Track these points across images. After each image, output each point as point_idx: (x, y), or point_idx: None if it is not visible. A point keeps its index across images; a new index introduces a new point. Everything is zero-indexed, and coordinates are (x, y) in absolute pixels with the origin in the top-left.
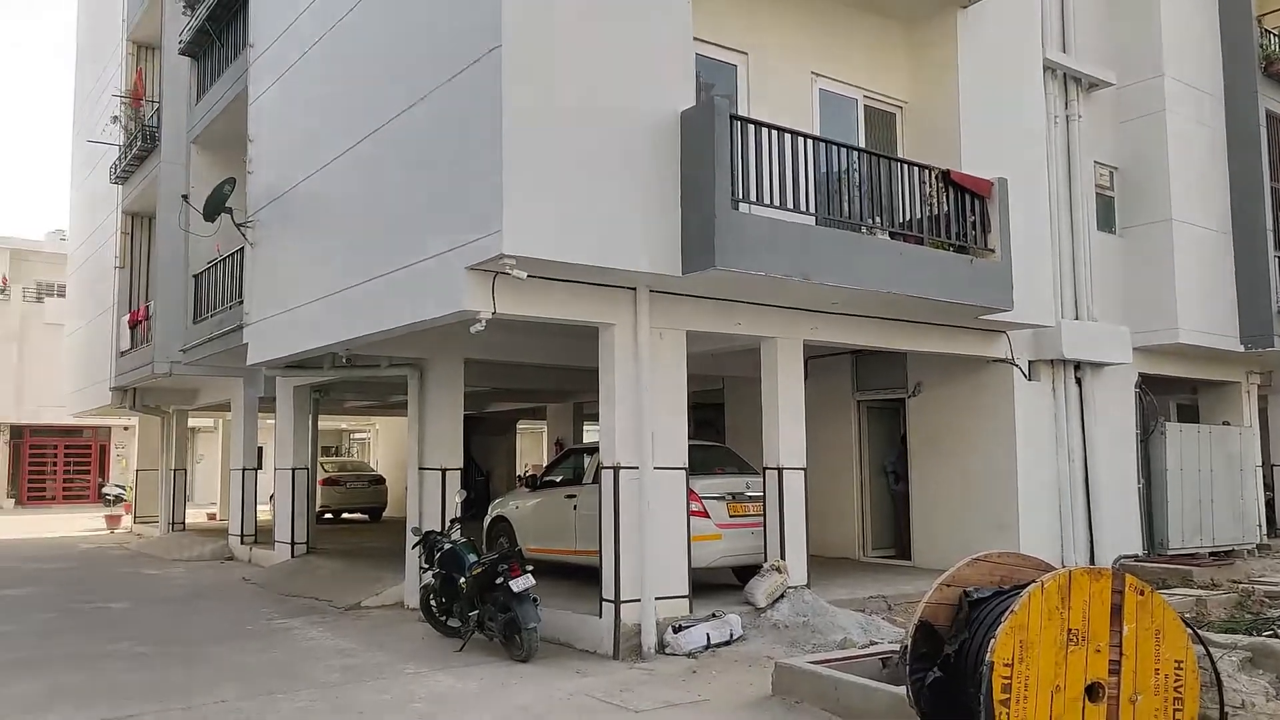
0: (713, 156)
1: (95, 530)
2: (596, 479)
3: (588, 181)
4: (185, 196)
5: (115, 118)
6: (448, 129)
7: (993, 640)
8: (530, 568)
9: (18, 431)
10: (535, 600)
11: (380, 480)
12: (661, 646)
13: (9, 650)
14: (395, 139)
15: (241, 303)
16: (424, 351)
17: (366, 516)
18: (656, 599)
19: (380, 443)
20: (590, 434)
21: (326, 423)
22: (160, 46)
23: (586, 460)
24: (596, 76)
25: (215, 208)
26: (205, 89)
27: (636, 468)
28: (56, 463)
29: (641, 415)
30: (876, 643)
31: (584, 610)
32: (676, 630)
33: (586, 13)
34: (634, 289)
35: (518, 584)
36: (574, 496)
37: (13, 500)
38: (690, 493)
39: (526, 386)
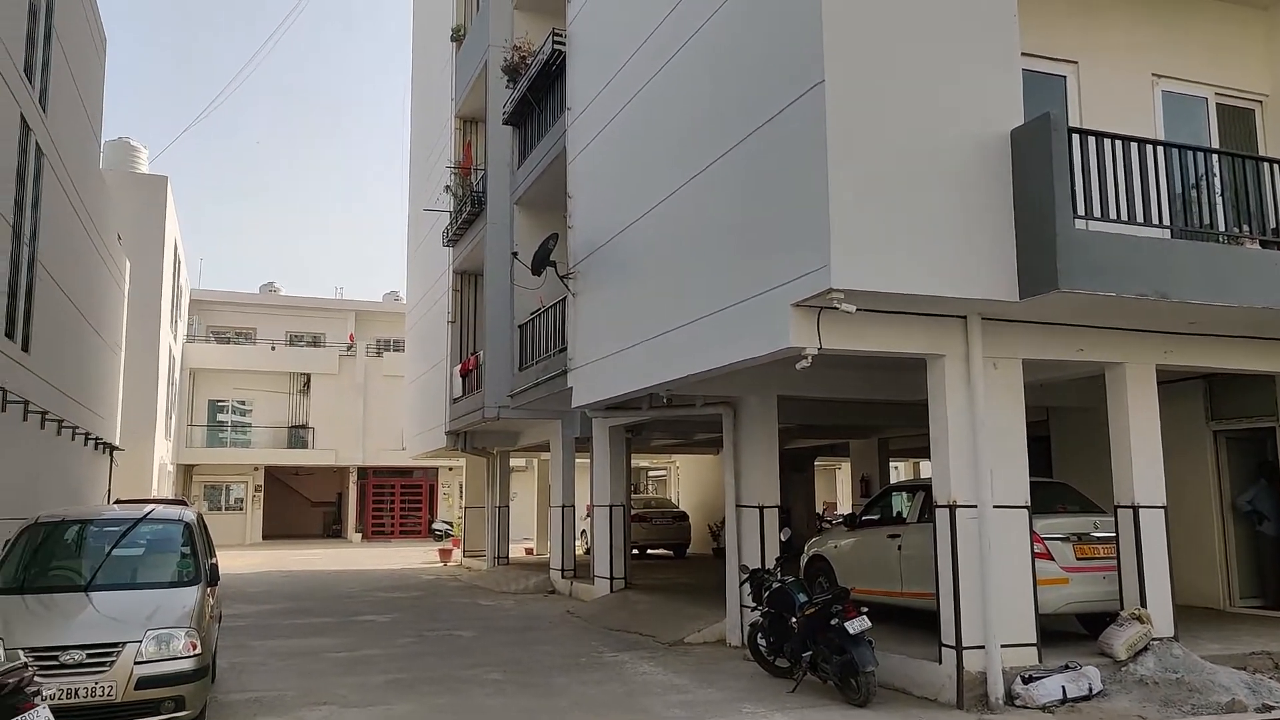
0: (1051, 173)
1: (430, 563)
2: (923, 517)
3: (914, 209)
4: (515, 254)
5: (447, 187)
6: (769, 168)
7: None
8: (865, 609)
9: (363, 473)
10: (871, 643)
11: (684, 517)
12: (1010, 697)
13: (380, 672)
14: (714, 182)
15: (564, 350)
16: (738, 389)
17: (671, 553)
18: (1001, 646)
19: (680, 479)
20: (897, 471)
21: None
22: (484, 119)
23: (908, 498)
24: (920, 102)
25: (541, 262)
26: (526, 154)
27: (974, 506)
28: (394, 500)
29: (977, 450)
30: (1273, 706)
31: (919, 655)
32: (1027, 680)
33: (909, 37)
34: (964, 317)
35: (853, 626)
36: (897, 536)
37: (360, 534)
38: (1031, 533)
39: (833, 422)
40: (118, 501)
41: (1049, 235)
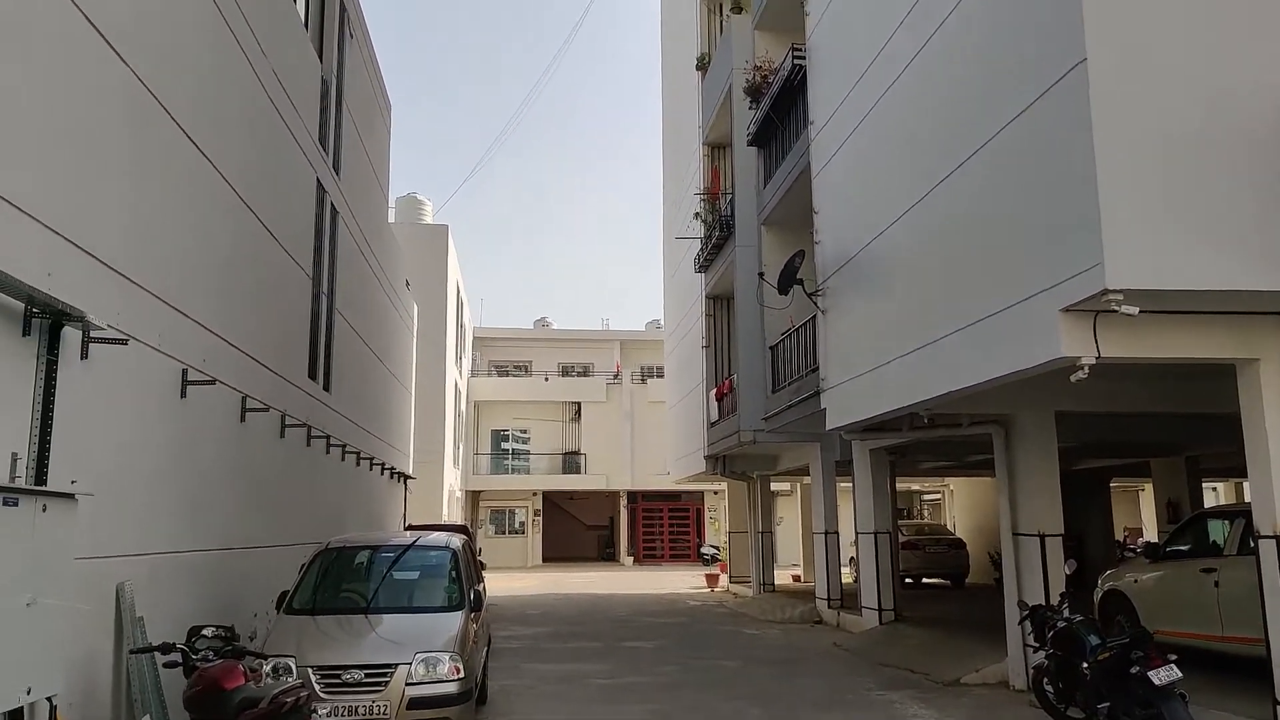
0: None
1: (697, 588)
2: (1244, 548)
3: (1204, 191)
4: (761, 274)
5: (696, 214)
6: (1025, 163)
7: None
8: (1174, 657)
9: (633, 497)
10: (1184, 697)
11: (961, 544)
12: None
13: (640, 701)
14: (965, 185)
15: (816, 370)
16: (1008, 406)
17: (948, 582)
18: None
19: (956, 504)
20: (1215, 493)
21: (897, 484)
22: (730, 143)
23: (1225, 526)
24: (1203, 68)
25: (788, 280)
26: (771, 174)
27: None
28: (663, 524)
29: None
30: None
31: (1245, 713)
32: None
33: None
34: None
35: (1159, 676)
36: (1213, 570)
37: (631, 558)
38: None
39: (1123, 439)
40: (409, 527)
41: None
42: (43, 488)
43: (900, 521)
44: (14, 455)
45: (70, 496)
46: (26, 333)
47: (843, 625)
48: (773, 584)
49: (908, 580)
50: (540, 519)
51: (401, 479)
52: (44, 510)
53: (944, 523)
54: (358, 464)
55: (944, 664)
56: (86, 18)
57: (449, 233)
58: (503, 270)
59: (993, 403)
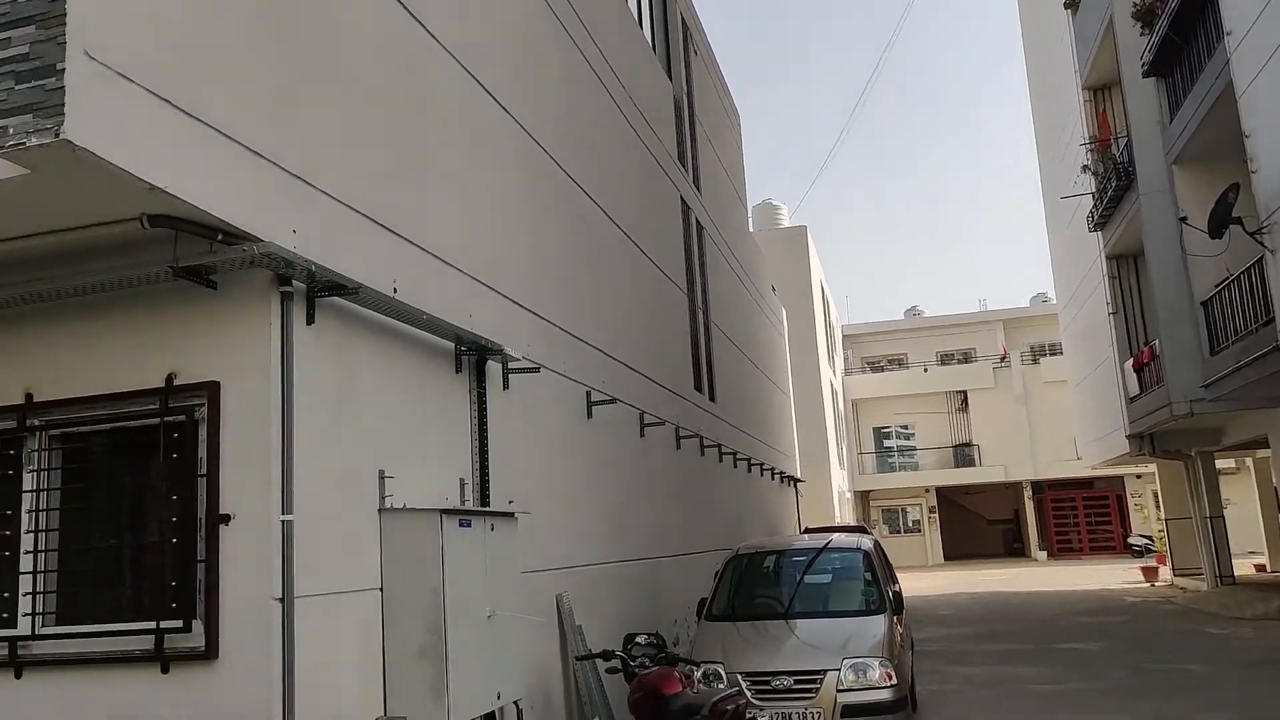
0: None
1: (1132, 582)
2: None
3: None
4: (1183, 218)
5: (1085, 167)
6: None
7: None
8: None
9: (1038, 487)
10: None
11: None
12: None
13: (1095, 711)
14: None
15: (1271, 321)
16: None
17: None
18: None
19: None
20: None
21: None
22: (1118, 82)
23: None
24: None
25: (1221, 221)
26: (1178, 104)
27: None
28: (1077, 515)
29: None
30: None
31: None
32: None
33: None
34: None
35: None
36: None
37: (1044, 553)
38: None
39: None
40: (806, 530)
41: None
42: (488, 509)
43: None
44: (461, 481)
45: (511, 515)
46: (459, 369)
47: None
48: (1231, 575)
49: None
50: (936, 516)
51: (791, 482)
52: (491, 529)
53: None
54: (749, 470)
55: None
56: (479, 82)
57: (807, 233)
58: (863, 262)
59: None
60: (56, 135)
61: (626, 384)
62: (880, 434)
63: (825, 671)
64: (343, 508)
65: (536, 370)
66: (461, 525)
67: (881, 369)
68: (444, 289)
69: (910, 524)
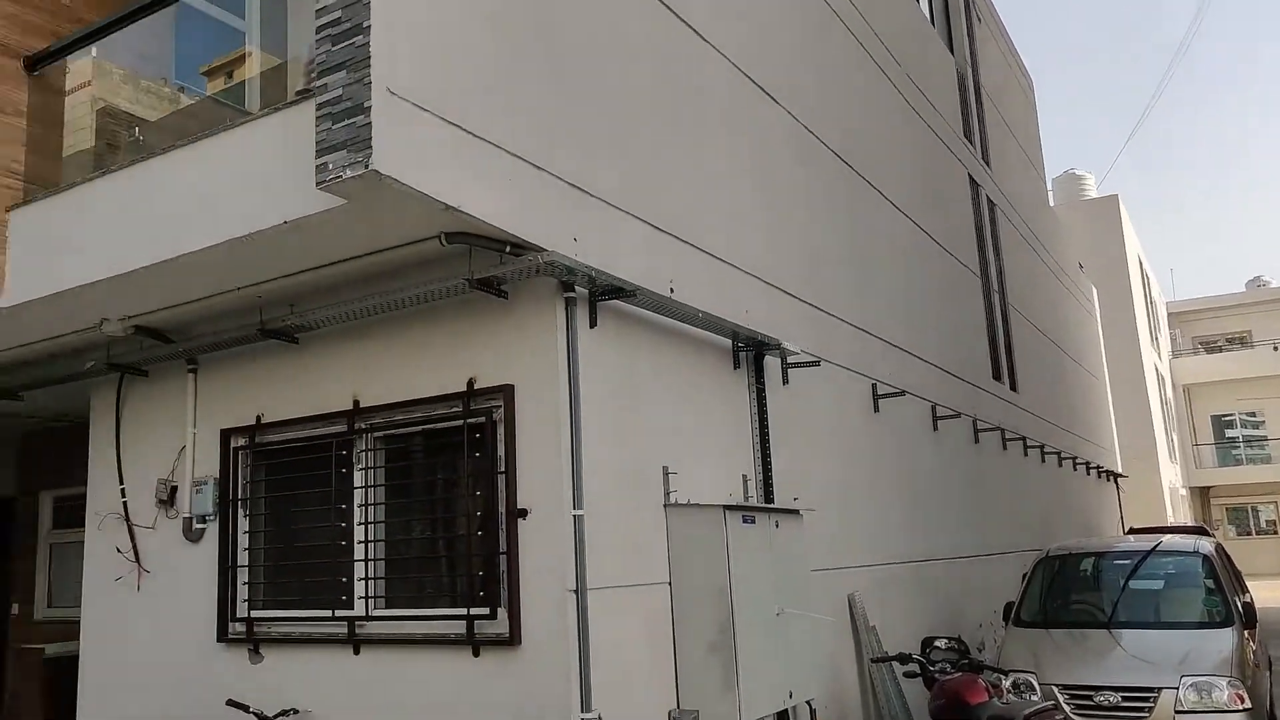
0: None
1: None
2: None
3: None
4: None
5: None
6: None
7: None
8: None
9: None
10: None
11: None
12: None
13: None
14: None
15: None
16: None
17: None
18: None
19: None
20: None
21: None
22: None
23: None
24: None
25: None
26: None
27: None
28: None
29: None
30: None
31: None
32: None
33: None
34: None
35: None
36: None
37: None
38: None
39: None
40: (1130, 530)
41: None
42: (771, 505)
43: None
44: (744, 476)
45: (795, 512)
46: (736, 365)
47: None
48: None
49: None
50: None
51: (1111, 478)
52: (776, 526)
53: None
54: (1059, 464)
55: None
56: (748, 77)
57: (1119, 203)
58: (1189, 231)
59: None
60: (366, 166)
61: (916, 375)
62: (1221, 422)
63: (1160, 689)
64: (629, 503)
65: (816, 364)
66: (745, 521)
67: (1219, 349)
68: (719, 286)
69: (1263, 525)
